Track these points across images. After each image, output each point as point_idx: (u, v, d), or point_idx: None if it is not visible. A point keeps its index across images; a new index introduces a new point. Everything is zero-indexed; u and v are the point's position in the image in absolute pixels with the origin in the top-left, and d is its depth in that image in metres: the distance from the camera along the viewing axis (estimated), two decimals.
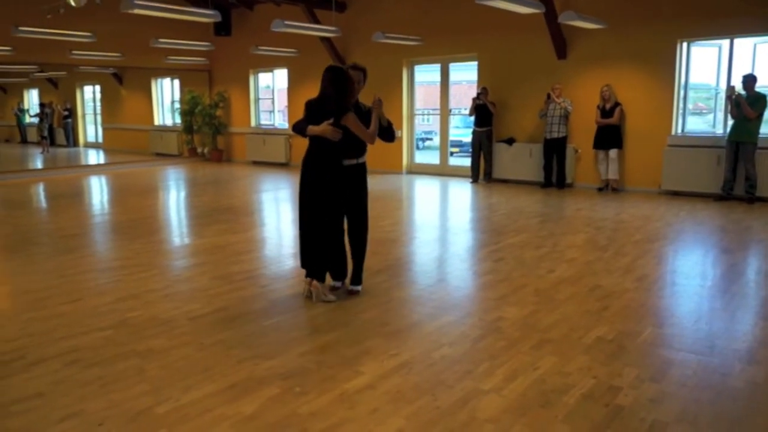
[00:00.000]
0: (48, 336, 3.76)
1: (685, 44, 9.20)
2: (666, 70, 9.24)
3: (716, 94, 9.47)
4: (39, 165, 15.56)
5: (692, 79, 9.44)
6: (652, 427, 2.68)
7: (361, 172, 4.49)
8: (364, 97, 4.50)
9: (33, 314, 4.16)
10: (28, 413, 2.83)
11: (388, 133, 4.50)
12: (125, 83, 18.04)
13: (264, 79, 15.03)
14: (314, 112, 4.25)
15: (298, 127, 4.31)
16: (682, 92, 9.36)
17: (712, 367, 3.27)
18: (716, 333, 3.78)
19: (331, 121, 4.14)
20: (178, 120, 16.36)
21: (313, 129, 4.19)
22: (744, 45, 8.92)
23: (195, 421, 2.75)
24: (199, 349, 3.56)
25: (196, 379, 3.15)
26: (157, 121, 17.54)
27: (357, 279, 4.62)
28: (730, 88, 8.43)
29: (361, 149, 4.43)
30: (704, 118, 10.23)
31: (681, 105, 9.41)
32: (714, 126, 9.55)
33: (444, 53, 11.61)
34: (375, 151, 13.73)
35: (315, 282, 4.38)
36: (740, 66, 8.88)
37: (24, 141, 20.93)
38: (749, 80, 8.32)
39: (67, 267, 5.40)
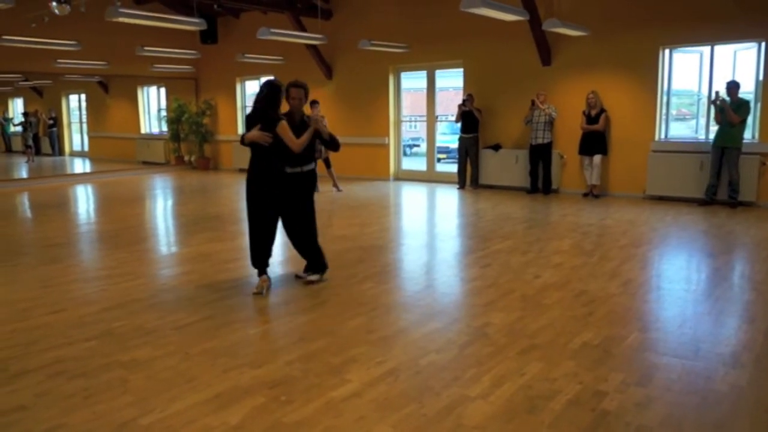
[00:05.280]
0: (31, 347, 3.72)
1: (667, 51, 9.30)
2: (649, 76, 9.34)
3: (698, 100, 9.58)
4: (24, 174, 15.42)
5: (675, 86, 9.54)
6: (637, 431, 2.70)
7: (304, 180, 4.88)
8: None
9: (16, 325, 4.12)
10: (10, 427, 2.79)
11: (331, 144, 4.97)
12: (111, 92, 17.94)
13: (251, 86, 15.02)
14: (253, 123, 4.66)
15: (241, 138, 4.72)
16: (665, 98, 9.46)
17: (697, 372, 3.30)
18: (701, 337, 3.81)
19: (258, 127, 4.59)
20: (164, 128, 16.29)
21: (247, 136, 4.62)
22: (724, 52, 9.04)
23: None
24: (185, 358, 3.53)
25: (181, 390, 3.12)
26: (144, 129, 17.46)
27: (312, 268, 5.08)
28: (715, 94, 8.54)
29: (304, 159, 4.82)
30: (687, 124, 10.35)
31: (664, 111, 9.51)
32: (696, 131, 9.66)
33: (430, 60, 11.67)
34: (361, 159, 13.73)
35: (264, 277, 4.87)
36: (721, 72, 9.00)
37: (8, 150, 20.72)
38: (732, 87, 8.43)
39: (51, 277, 5.35)
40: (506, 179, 10.78)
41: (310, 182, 4.97)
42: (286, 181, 4.78)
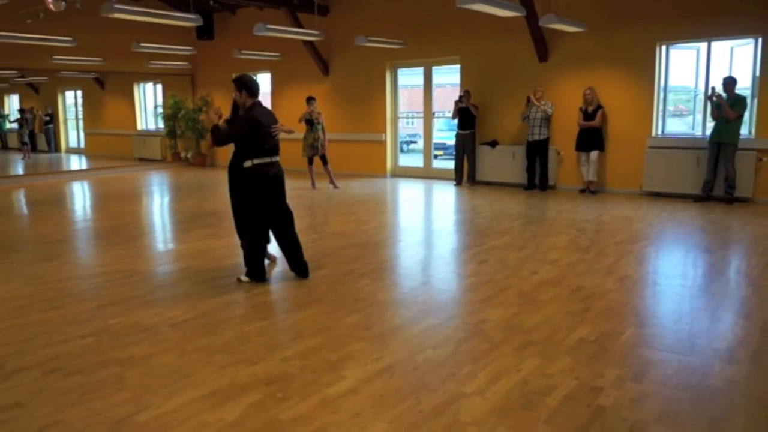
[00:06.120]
0: (27, 344, 3.71)
1: (664, 47, 9.30)
2: (646, 72, 9.34)
3: (695, 96, 9.58)
4: (20, 171, 15.38)
5: (671, 82, 9.55)
6: (633, 427, 2.70)
7: (241, 175, 4.99)
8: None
9: (12, 322, 4.11)
10: (6, 424, 2.79)
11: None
12: (107, 88, 17.90)
13: None
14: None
15: None
16: (661, 94, 9.46)
17: (693, 367, 3.31)
18: (697, 333, 3.82)
19: None
20: (161, 125, 16.25)
21: None
22: (721, 48, 9.04)
23: (176, 428, 2.72)
24: (181, 355, 3.53)
25: (177, 386, 3.12)
26: (140, 125, 17.43)
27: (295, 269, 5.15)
28: (712, 90, 8.54)
29: (239, 155, 4.97)
30: (684, 120, 10.36)
31: (661, 107, 9.52)
32: (693, 128, 9.67)
33: (427, 56, 11.65)
34: (358, 155, 13.67)
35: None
36: (718, 68, 9.00)
37: (4, 147, 20.71)
38: (729, 82, 8.43)
39: (47, 274, 5.34)
40: (503, 175, 10.79)
41: (242, 179, 4.97)
42: (233, 173, 5.24)
